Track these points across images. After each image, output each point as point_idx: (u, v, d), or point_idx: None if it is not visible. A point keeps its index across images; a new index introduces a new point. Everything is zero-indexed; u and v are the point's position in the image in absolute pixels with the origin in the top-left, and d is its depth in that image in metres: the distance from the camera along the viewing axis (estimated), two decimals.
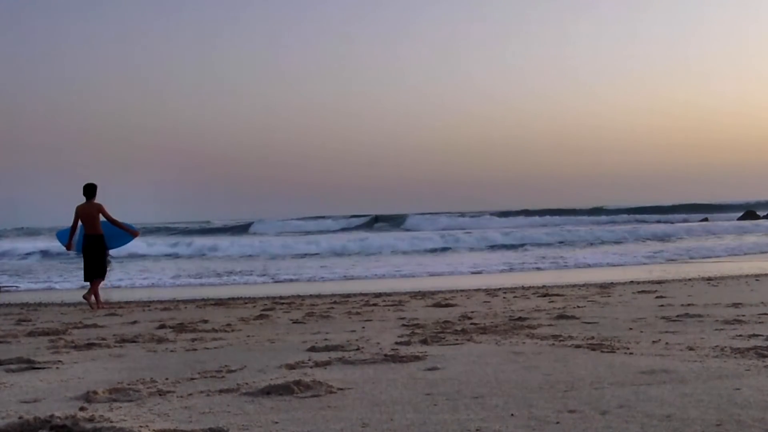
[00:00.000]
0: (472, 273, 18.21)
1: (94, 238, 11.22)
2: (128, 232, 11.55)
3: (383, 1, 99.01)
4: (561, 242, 30.58)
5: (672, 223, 48.94)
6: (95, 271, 11.25)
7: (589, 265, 19.70)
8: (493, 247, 28.85)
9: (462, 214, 62.71)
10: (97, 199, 11.29)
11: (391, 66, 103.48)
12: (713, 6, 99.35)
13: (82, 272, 11.45)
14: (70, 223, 11.44)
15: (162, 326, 7.53)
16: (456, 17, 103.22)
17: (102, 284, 11.55)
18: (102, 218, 11.30)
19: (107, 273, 11.61)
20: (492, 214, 63.25)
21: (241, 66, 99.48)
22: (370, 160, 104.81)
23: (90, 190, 11.25)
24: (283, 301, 11.24)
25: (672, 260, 20.77)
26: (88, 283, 11.34)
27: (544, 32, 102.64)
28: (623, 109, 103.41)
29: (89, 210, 11.20)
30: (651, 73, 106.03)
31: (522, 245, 29.01)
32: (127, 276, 18.45)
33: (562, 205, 70.14)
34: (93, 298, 11.00)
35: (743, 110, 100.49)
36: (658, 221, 52.63)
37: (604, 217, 60.20)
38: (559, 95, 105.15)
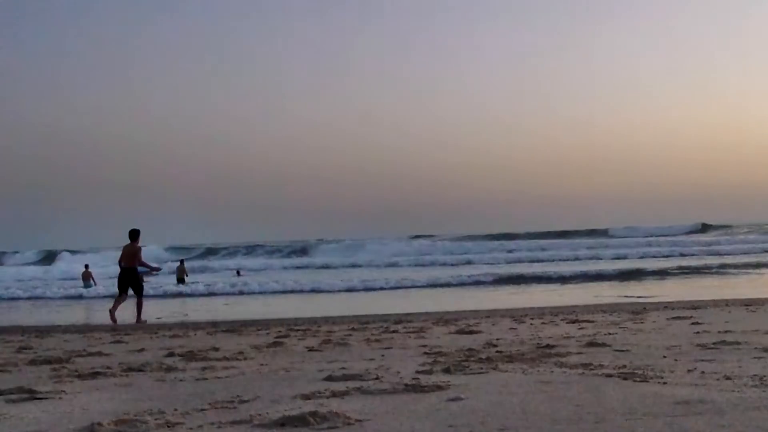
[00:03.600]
0: None
1: (128, 271, 14.74)
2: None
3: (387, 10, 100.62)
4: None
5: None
6: (130, 289, 14.70)
7: None
8: None
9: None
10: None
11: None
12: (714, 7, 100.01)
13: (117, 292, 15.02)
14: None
15: (170, 354, 7.42)
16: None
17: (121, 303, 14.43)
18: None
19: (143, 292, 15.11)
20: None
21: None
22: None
23: (134, 234, 14.70)
24: (297, 327, 11.16)
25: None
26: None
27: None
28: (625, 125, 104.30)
29: (130, 250, 14.71)
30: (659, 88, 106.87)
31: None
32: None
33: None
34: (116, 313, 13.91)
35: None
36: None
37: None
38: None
